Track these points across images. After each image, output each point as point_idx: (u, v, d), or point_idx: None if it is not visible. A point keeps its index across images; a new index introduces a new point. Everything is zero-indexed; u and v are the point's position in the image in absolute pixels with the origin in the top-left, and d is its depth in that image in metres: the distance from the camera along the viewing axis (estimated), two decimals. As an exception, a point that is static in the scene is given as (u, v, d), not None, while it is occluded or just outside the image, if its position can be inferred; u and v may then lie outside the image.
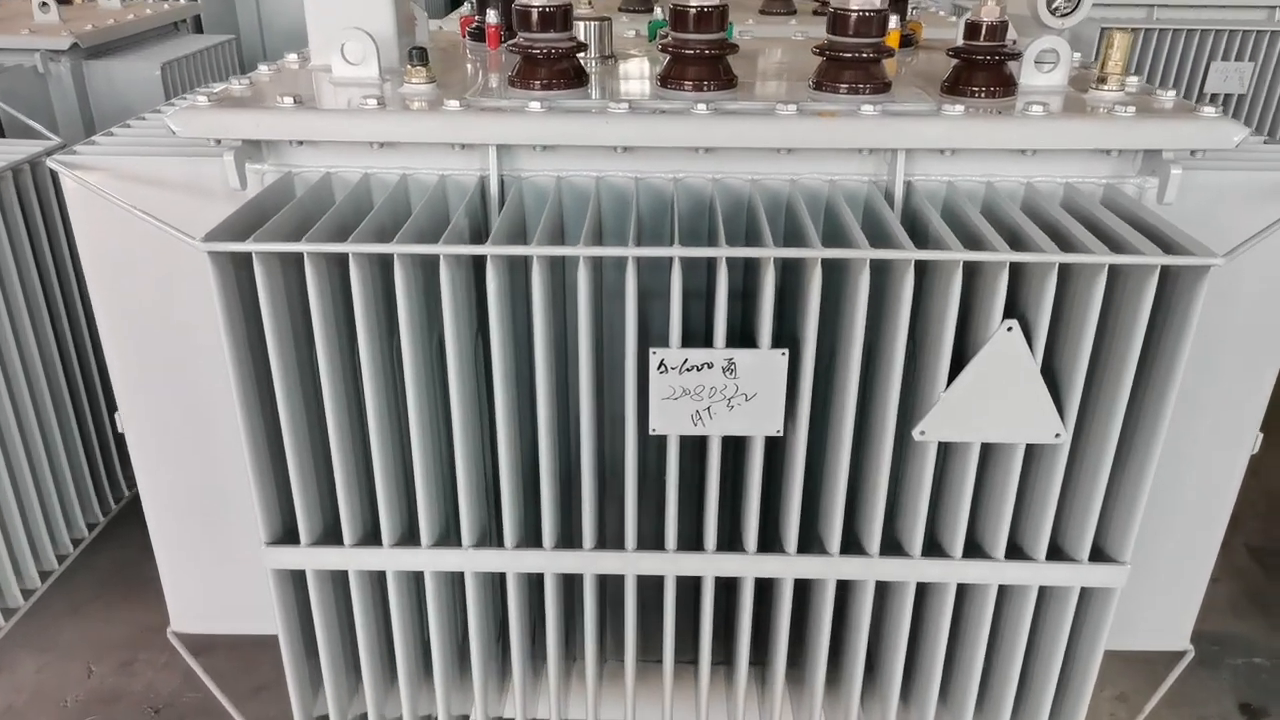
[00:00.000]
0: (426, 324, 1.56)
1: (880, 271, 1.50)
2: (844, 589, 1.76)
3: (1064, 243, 1.45)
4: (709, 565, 1.71)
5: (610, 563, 1.71)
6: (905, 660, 1.76)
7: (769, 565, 1.70)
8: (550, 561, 1.71)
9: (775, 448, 1.69)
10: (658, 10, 2.59)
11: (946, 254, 1.42)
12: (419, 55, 1.68)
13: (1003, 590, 1.69)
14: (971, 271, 1.46)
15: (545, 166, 1.68)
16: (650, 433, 1.56)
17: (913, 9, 2.49)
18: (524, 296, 1.56)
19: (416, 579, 1.76)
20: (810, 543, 1.71)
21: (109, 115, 3.30)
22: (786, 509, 1.66)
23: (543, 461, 1.62)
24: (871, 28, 1.62)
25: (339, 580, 1.73)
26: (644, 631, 1.82)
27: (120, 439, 1.94)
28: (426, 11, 2.12)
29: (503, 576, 1.76)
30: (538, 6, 1.63)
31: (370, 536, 1.69)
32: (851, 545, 1.70)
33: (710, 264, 1.51)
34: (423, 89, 1.68)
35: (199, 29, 4.51)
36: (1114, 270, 1.41)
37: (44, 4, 3.33)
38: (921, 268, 1.47)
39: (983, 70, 1.67)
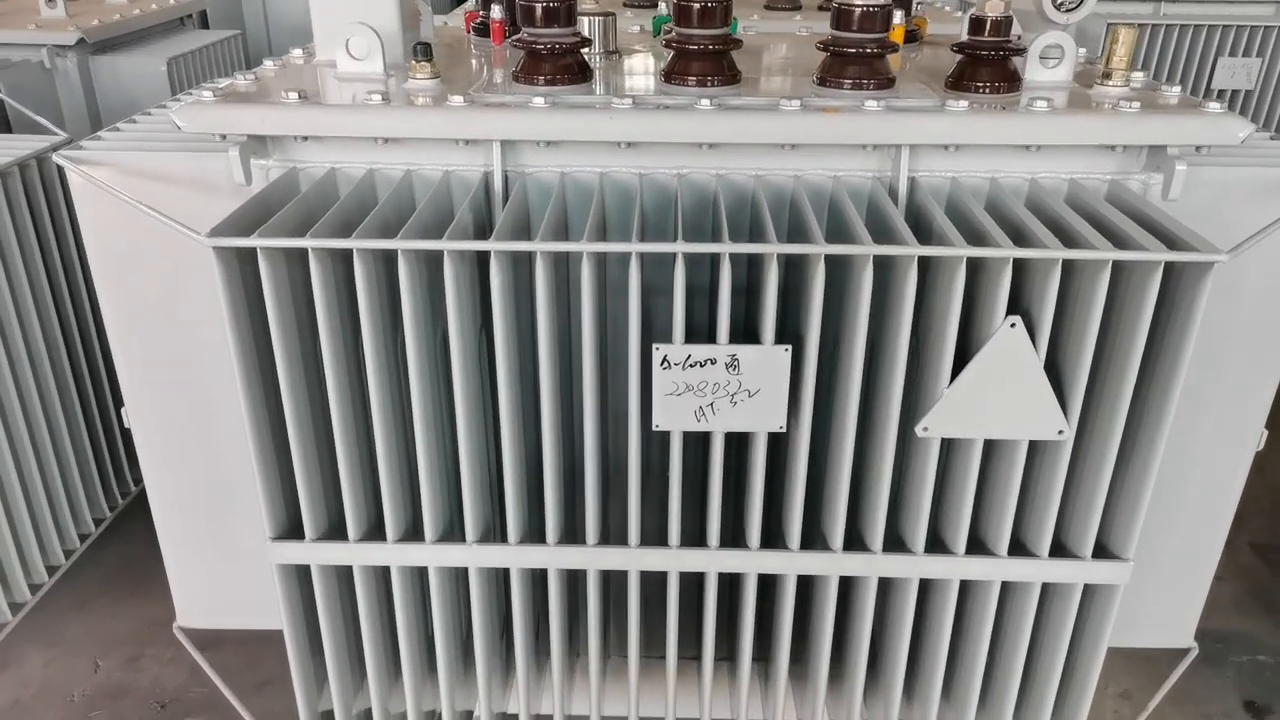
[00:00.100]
0: (431, 319, 1.56)
1: (884, 267, 1.50)
2: (847, 585, 1.76)
3: (1068, 239, 1.45)
4: (712, 561, 1.71)
5: (614, 558, 1.71)
6: (908, 656, 1.77)
7: (772, 561, 1.70)
8: (554, 557, 1.71)
9: (778, 444, 1.69)
10: (662, 5, 2.59)
11: (949, 250, 1.42)
12: (423, 50, 1.68)
13: (1006, 587, 1.69)
14: (975, 267, 1.46)
15: (549, 162, 1.68)
16: (653, 429, 1.56)
17: (918, 4, 2.48)
18: (528, 292, 1.56)
19: (421, 574, 1.77)
20: (813, 539, 1.71)
21: (115, 110, 3.30)
22: (789, 505, 1.66)
23: (546, 457, 1.62)
24: (875, 23, 1.61)
25: (344, 575, 1.74)
26: (647, 627, 1.82)
27: (127, 434, 1.95)
28: (431, 6, 2.12)
29: (507, 572, 1.76)
30: (542, 2, 1.63)
31: (375, 532, 1.70)
32: (854, 541, 1.70)
33: (714, 260, 1.51)
34: (427, 84, 1.68)
35: (205, 24, 4.51)
36: (1118, 266, 1.41)
37: (50, -1, 3.34)
38: (925, 264, 1.47)
39: (987, 66, 1.67)
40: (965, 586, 1.71)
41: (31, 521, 2.50)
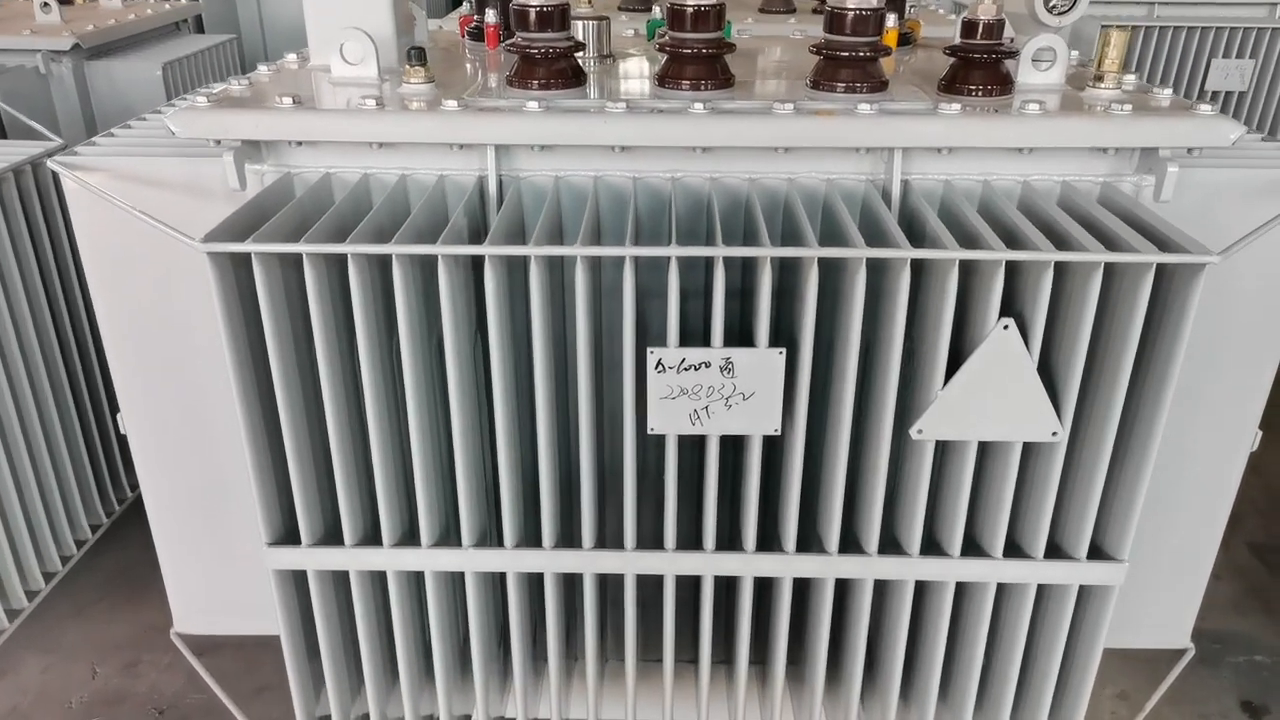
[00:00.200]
0: (426, 324, 1.57)
1: (877, 270, 1.50)
2: (843, 587, 1.76)
3: (1060, 241, 1.45)
4: (708, 564, 1.71)
5: (610, 562, 1.71)
6: (905, 658, 1.77)
7: (768, 564, 1.70)
8: (550, 561, 1.71)
9: (773, 447, 1.69)
10: (656, 9, 2.59)
11: (942, 252, 1.42)
12: (417, 55, 1.69)
13: (1001, 588, 1.69)
14: (968, 270, 1.46)
15: (543, 166, 1.68)
16: (649, 432, 1.56)
17: (911, 7, 2.49)
18: (523, 296, 1.56)
19: (417, 579, 1.77)
20: (809, 541, 1.72)
21: (111, 115, 3.30)
22: (785, 508, 1.66)
23: (542, 461, 1.62)
24: (868, 27, 1.62)
25: (340, 581, 1.74)
26: (644, 631, 1.82)
27: (123, 440, 1.95)
28: (426, 11, 2.12)
29: (503, 576, 1.76)
30: (535, 6, 1.63)
31: (371, 537, 1.70)
32: (850, 544, 1.70)
33: (708, 263, 1.51)
34: (421, 89, 1.69)
35: (200, 29, 4.51)
36: (1110, 268, 1.41)
37: (45, 4, 3.34)
38: (918, 266, 1.48)
39: (979, 69, 1.67)
40: (961, 588, 1.71)
41: (28, 528, 2.50)
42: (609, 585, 1.92)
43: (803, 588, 1.80)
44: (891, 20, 1.95)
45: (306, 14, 1.81)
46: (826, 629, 1.75)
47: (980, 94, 1.67)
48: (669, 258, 1.46)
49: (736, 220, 1.71)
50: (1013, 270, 1.44)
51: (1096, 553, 1.64)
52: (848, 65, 1.68)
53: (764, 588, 1.82)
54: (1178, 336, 1.44)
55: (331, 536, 1.69)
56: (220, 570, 2.03)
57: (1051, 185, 1.67)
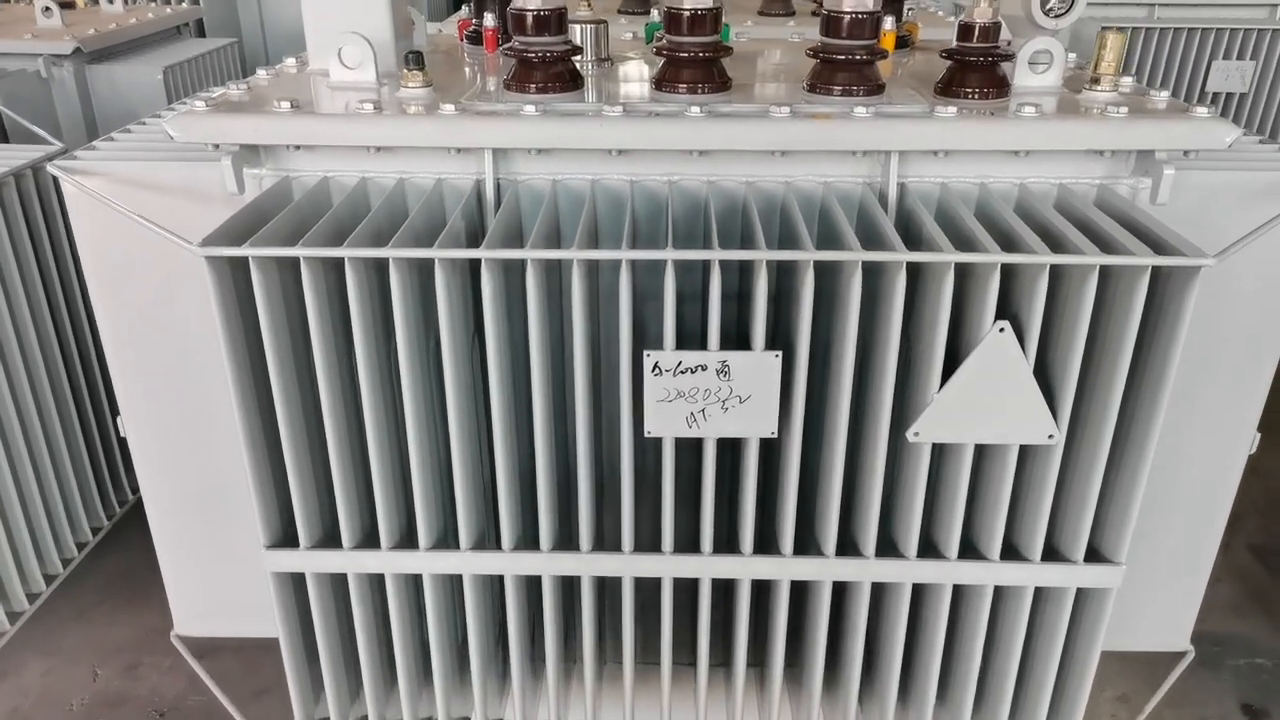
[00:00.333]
0: (423, 327, 1.57)
1: (873, 273, 1.50)
2: (841, 590, 1.76)
3: (1056, 243, 1.45)
4: (706, 567, 1.71)
5: (607, 565, 1.72)
6: (903, 661, 1.77)
7: (765, 567, 1.70)
8: (548, 564, 1.71)
9: (770, 450, 1.70)
10: (655, 13, 2.59)
11: (937, 255, 1.42)
12: (415, 59, 1.69)
13: (998, 591, 1.70)
14: (964, 272, 1.46)
15: (541, 170, 1.68)
16: (646, 435, 1.56)
17: (909, 10, 2.49)
18: (520, 300, 1.57)
19: (415, 581, 1.77)
20: (806, 544, 1.72)
21: (112, 119, 3.31)
22: (782, 511, 1.66)
23: (539, 464, 1.62)
24: (864, 30, 1.62)
25: (339, 583, 1.74)
26: (642, 633, 1.82)
27: (124, 442, 1.96)
28: (426, 15, 2.13)
29: (501, 579, 1.76)
30: (532, 10, 1.64)
31: (369, 539, 1.70)
32: (847, 547, 1.70)
33: (705, 266, 1.51)
34: (419, 93, 1.69)
35: (201, 33, 4.52)
36: (1106, 271, 1.41)
37: (47, 8, 3.35)
38: (914, 269, 1.48)
39: (976, 71, 1.67)
40: (958, 591, 1.71)
41: (29, 531, 2.50)
42: (607, 588, 1.92)
43: (800, 590, 1.80)
44: (889, 23, 1.95)
45: (305, 18, 1.82)
46: (824, 632, 1.75)
47: (977, 97, 1.67)
48: (666, 261, 1.46)
49: (733, 223, 1.71)
50: (1009, 273, 1.44)
51: (1094, 555, 1.64)
52: (844, 68, 1.68)
53: (762, 590, 1.82)
54: (1174, 339, 1.44)
55: (330, 539, 1.69)
56: (220, 573, 2.04)
57: (1048, 188, 1.67)
